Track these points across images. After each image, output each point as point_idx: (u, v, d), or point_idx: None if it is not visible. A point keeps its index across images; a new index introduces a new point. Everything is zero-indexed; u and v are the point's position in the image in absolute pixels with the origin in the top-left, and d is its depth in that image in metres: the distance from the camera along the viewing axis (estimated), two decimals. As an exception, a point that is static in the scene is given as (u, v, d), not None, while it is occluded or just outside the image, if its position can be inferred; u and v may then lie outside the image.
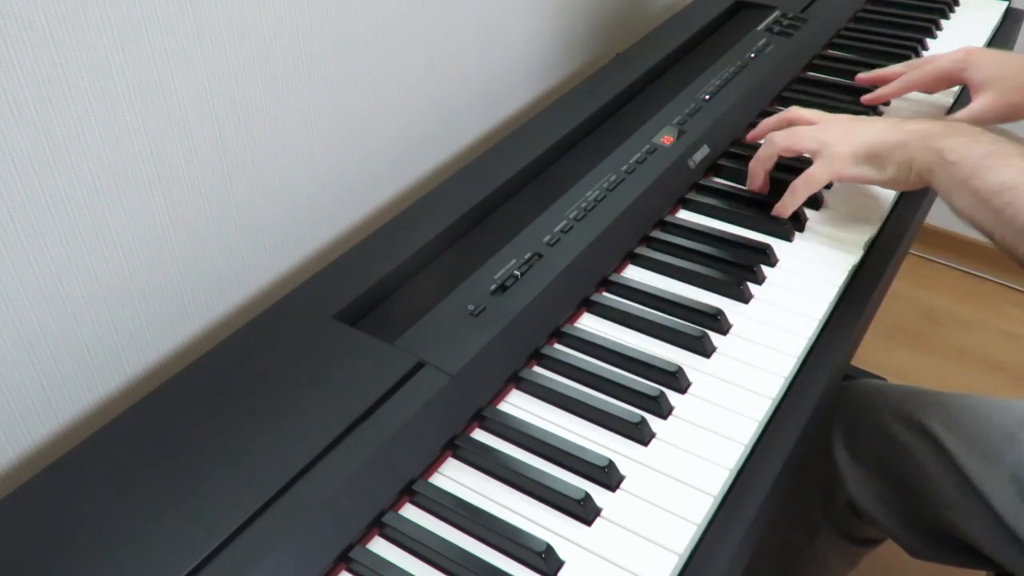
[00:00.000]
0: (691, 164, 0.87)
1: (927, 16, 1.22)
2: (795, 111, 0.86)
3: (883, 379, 1.14)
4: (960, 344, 1.76)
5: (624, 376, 0.66)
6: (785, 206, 0.81)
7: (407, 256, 0.72)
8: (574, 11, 1.14)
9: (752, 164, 0.85)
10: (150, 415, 0.59)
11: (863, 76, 1.02)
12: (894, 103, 1.01)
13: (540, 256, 0.72)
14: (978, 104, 0.93)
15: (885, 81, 1.00)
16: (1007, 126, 0.95)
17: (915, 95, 1.02)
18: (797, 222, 0.83)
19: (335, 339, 0.64)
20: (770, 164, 0.84)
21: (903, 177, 0.75)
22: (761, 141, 0.87)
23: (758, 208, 0.85)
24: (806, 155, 0.82)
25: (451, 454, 0.61)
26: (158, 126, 0.66)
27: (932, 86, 0.99)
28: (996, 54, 0.96)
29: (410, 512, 0.57)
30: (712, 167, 0.91)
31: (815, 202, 0.85)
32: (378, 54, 0.84)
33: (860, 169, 0.77)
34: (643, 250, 0.79)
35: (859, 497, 0.93)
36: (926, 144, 0.73)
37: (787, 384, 0.67)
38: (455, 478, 0.59)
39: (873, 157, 0.76)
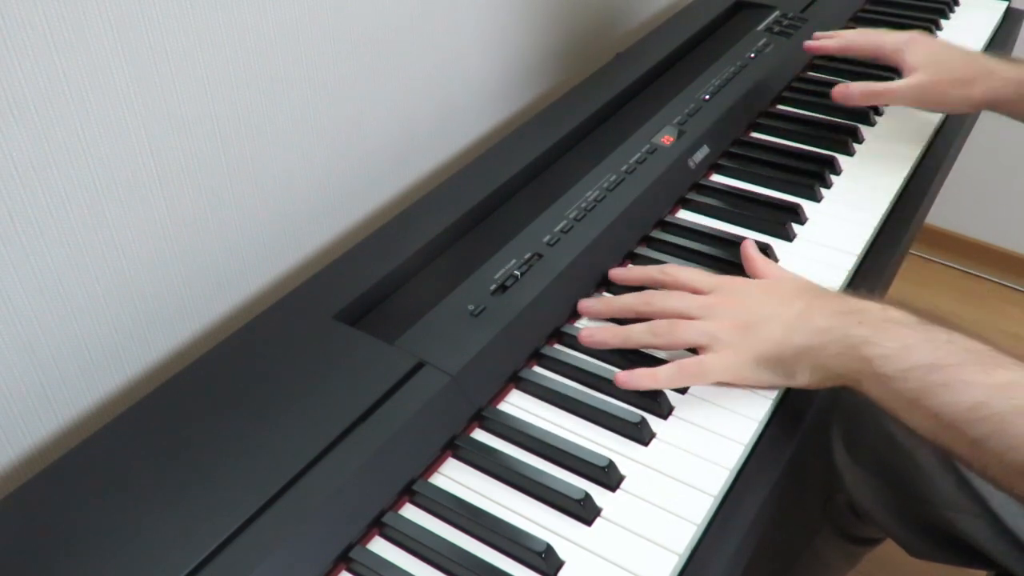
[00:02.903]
0: (691, 164, 0.87)
1: (927, 16, 1.22)
2: (674, 273, 0.70)
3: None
4: (960, 344, 1.76)
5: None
6: (654, 378, 0.63)
7: (407, 256, 0.72)
8: (574, 11, 1.14)
9: (600, 305, 0.70)
10: (150, 415, 0.59)
11: (813, 38, 1.00)
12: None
13: (540, 256, 0.72)
14: (907, 81, 0.90)
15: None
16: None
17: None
18: (797, 218, 0.83)
19: (335, 339, 0.64)
20: (619, 340, 0.67)
21: (817, 382, 0.63)
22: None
23: (759, 208, 0.85)
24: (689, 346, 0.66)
25: (451, 454, 0.61)
26: (158, 126, 0.66)
27: (867, 54, 0.97)
28: (939, 42, 0.94)
29: (410, 512, 0.57)
30: (712, 167, 0.91)
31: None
32: (378, 53, 0.84)
33: (762, 375, 0.64)
34: (643, 250, 0.79)
35: (858, 497, 0.93)
36: (847, 352, 0.60)
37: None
38: (455, 478, 0.59)
39: (776, 363, 0.63)
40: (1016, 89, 0.88)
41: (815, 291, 0.68)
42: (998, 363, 0.57)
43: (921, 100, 0.92)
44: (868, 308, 0.63)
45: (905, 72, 0.92)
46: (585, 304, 0.71)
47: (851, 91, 0.92)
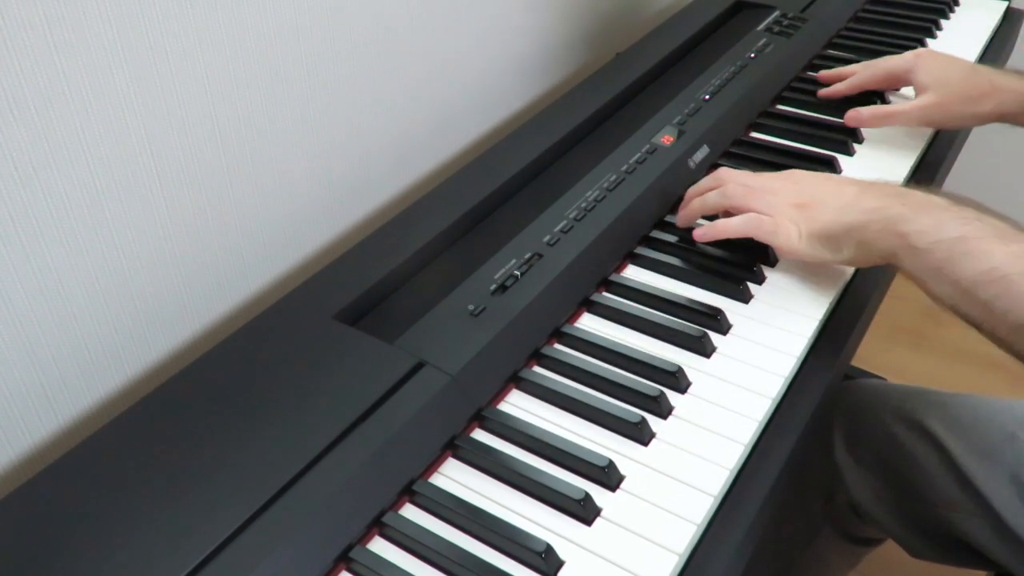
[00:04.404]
0: (691, 164, 0.87)
1: (927, 16, 1.22)
2: (726, 172, 0.80)
3: (883, 379, 1.14)
4: (960, 344, 1.76)
5: (624, 376, 0.66)
6: (727, 225, 0.76)
7: (407, 256, 0.72)
8: (574, 11, 1.14)
9: (684, 212, 0.80)
10: (150, 415, 0.59)
11: (824, 74, 1.03)
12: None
13: (540, 256, 0.72)
14: (916, 103, 0.93)
15: (843, 78, 1.01)
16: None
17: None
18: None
19: (335, 339, 0.64)
20: (708, 212, 0.79)
21: (862, 258, 0.71)
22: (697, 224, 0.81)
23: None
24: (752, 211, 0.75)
25: (451, 454, 0.61)
26: (158, 126, 0.66)
27: (881, 85, 1.00)
28: (945, 59, 0.96)
29: (410, 512, 0.57)
30: (712, 167, 0.91)
31: None
32: (378, 53, 0.84)
33: (813, 250, 0.73)
34: (643, 250, 0.79)
35: (859, 497, 0.93)
36: (887, 228, 0.67)
37: (787, 384, 0.67)
38: (455, 478, 0.59)
39: (827, 239, 0.72)
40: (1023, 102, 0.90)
41: (865, 181, 0.74)
42: (1018, 238, 0.63)
43: (931, 120, 0.95)
44: (913, 192, 0.70)
45: (917, 93, 0.94)
46: (679, 219, 0.81)
47: (862, 115, 0.95)
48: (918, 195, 0.69)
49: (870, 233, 0.69)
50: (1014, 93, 0.90)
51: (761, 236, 0.74)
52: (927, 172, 0.95)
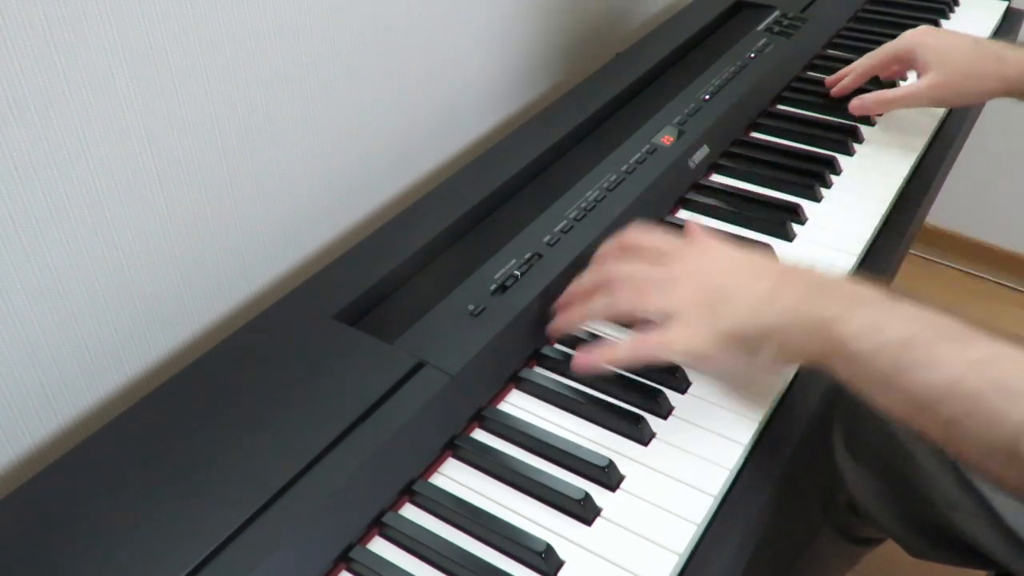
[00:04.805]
0: (691, 164, 0.87)
1: (927, 16, 1.23)
2: (631, 237, 0.68)
3: (883, 379, 1.14)
4: (960, 344, 1.76)
5: (624, 375, 0.66)
6: (613, 356, 0.63)
7: (407, 256, 0.72)
8: (574, 11, 1.14)
9: (562, 315, 0.67)
10: (150, 415, 0.59)
11: (830, 78, 1.02)
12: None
13: (540, 256, 0.72)
14: (920, 83, 0.91)
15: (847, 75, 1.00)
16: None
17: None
18: (797, 218, 0.83)
19: (335, 339, 0.64)
20: (583, 321, 0.67)
21: (784, 361, 0.62)
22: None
23: (759, 208, 0.85)
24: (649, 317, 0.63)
25: (451, 454, 0.61)
26: (158, 126, 0.66)
27: (886, 68, 0.99)
28: (946, 35, 0.94)
29: (410, 512, 0.57)
30: (712, 167, 0.91)
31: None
32: (379, 53, 0.84)
33: (725, 353, 0.61)
34: (643, 250, 0.79)
35: (859, 496, 0.93)
36: (815, 331, 0.57)
37: (787, 384, 0.67)
38: (455, 478, 0.59)
39: (741, 341, 0.61)
40: None
41: (783, 266, 0.65)
42: (971, 338, 0.54)
43: (937, 100, 0.93)
44: (838, 286, 0.61)
45: (919, 72, 0.93)
46: (551, 328, 0.68)
47: (866, 102, 0.94)
48: (844, 287, 0.60)
49: (793, 336, 0.59)
50: (1020, 64, 0.88)
51: (649, 358, 0.62)
52: (927, 172, 0.95)
